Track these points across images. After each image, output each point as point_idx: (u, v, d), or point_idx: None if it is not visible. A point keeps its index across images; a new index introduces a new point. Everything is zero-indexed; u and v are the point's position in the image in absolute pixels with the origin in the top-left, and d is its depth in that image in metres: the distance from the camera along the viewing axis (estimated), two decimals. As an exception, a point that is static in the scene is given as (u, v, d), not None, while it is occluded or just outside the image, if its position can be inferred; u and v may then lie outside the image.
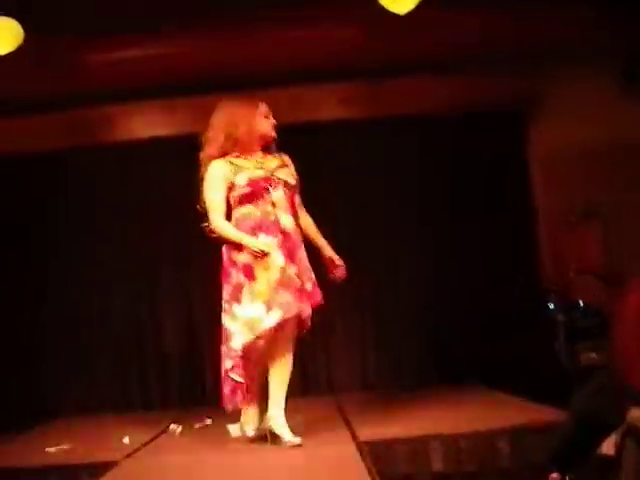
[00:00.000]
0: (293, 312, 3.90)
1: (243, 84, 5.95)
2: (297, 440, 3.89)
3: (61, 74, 5.35)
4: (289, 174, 4.18)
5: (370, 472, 3.25)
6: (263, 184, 4.04)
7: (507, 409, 4.68)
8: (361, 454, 3.64)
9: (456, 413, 4.67)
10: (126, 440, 4.52)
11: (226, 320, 3.99)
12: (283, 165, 4.20)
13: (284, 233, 4.00)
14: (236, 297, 3.94)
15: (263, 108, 4.18)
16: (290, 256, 4.00)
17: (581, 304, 5.86)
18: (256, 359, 4.01)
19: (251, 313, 3.86)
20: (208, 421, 5.01)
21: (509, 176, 6.44)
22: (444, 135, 6.39)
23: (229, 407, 4.00)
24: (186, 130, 6.14)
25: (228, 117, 4.14)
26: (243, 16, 5.45)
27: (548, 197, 6.34)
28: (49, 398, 6.29)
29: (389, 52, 5.80)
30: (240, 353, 3.90)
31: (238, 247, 3.96)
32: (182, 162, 6.17)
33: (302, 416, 4.29)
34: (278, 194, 4.06)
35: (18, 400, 6.21)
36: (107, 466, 3.81)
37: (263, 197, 4.03)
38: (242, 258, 3.94)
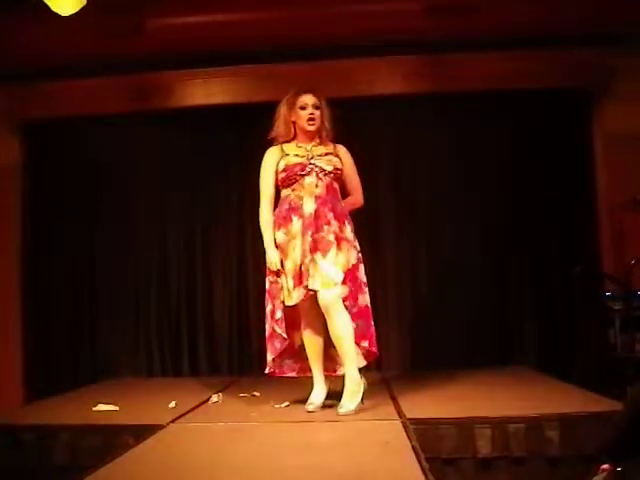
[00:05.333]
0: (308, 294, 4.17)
1: (305, 55, 5.93)
2: (346, 411, 4.07)
3: (123, 38, 5.36)
4: (328, 162, 4.34)
5: (415, 450, 3.21)
6: (296, 170, 4.28)
7: (558, 395, 4.58)
8: (407, 432, 3.61)
9: (506, 397, 4.60)
10: (172, 405, 4.56)
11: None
12: (327, 153, 4.36)
13: (303, 217, 4.23)
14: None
15: (303, 99, 4.33)
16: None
17: (640, 294, 5.72)
18: (291, 320, 4.32)
19: (287, 283, 4.24)
20: (256, 394, 5.01)
21: (571, 157, 6.31)
22: (508, 111, 6.33)
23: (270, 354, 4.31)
24: (246, 99, 6.16)
25: (278, 107, 4.40)
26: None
27: (611, 180, 6.19)
28: (102, 361, 6.42)
29: (455, 27, 5.70)
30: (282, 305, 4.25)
31: (276, 226, 4.30)
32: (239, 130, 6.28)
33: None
34: (309, 180, 4.29)
35: (74, 363, 6.40)
36: (152, 429, 3.84)
37: (297, 182, 4.29)
38: (276, 237, 4.30)
